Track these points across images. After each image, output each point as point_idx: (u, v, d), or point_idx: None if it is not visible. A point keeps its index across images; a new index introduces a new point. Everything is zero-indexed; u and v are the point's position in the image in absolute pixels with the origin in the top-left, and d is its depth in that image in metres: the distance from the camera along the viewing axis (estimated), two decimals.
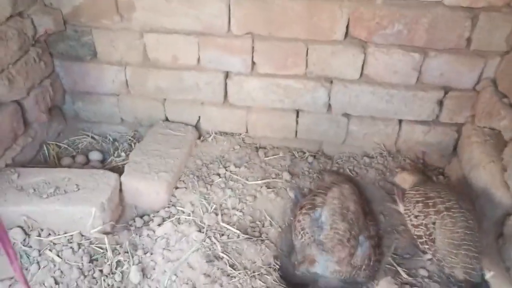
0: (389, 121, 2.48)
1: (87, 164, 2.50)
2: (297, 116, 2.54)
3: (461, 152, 2.37)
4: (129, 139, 2.66)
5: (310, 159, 2.53)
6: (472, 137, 2.25)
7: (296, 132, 2.59)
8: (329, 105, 2.46)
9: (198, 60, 2.42)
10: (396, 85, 2.35)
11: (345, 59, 2.30)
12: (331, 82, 2.39)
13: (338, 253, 1.81)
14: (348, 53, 2.28)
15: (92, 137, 2.70)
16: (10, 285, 1.75)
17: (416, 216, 1.93)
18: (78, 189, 2.01)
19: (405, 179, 2.19)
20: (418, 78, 2.31)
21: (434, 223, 1.82)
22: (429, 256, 1.93)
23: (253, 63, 2.39)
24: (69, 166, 2.42)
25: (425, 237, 1.85)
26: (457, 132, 2.45)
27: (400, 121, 2.48)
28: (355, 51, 2.27)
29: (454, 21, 2.11)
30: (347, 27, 2.23)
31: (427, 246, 1.85)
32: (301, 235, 1.90)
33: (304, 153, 2.59)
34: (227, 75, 2.47)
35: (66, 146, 2.60)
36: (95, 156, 2.54)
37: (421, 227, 1.88)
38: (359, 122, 2.50)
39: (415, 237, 1.93)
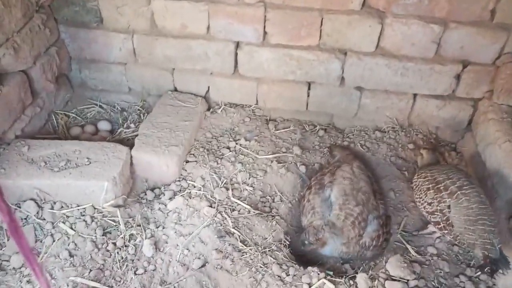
0: (403, 95, 2.42)
1: (96, 134, 2.48)
2: (309, 88, 2.48)
3: (476, 128, 2.32)
4: (138, 110, 2.63)
5: (321, 132, 2.50)
6: (488, 113, 2.20)
7: (307, 104, 2.54)
8: (342, 78, 2.39)
9: (208, 28, 2.34)
10: (413, 58, 2.27)
11: (361, 30, 2.20)
12: (345, 54, 2.31)
13: (347, 232, 1.82)
14: (364, 24, 2.18)
15: (100, 106, 2.67)
16: None
17: (429, 203, 1.89)
18: (90, 163, 2.01)
19: (421, 157, 2.17)
20: (436, 51, 2.23)
21: (449, 207, 1.81)
22: (438, 234, 1.95)
23: (265, 33, 2.31)
24: (78, 136, 2.41)
25: (442, 223, 1.83)
26: (473, 108, 2.39)
27: (414, 95, 2.41)
28: (372, 21, 2.17)
29: None
30: None
31: (446, 231, 1.83)
32: (311, 214, 1.91)
33: (315, 126, 2.56)
34: (237, 45, 2.38)
35: (75, 115, 2.58)
36: (104, 126, 2.52)
37: (436, 213, 1.86)
38: (372, 95, 2.44)
39: (431, 223, 1.92)
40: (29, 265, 0.60)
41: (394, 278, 1.73)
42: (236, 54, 2.40)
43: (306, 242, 1.81)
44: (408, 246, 1.93)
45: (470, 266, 1.87)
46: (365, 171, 2.09)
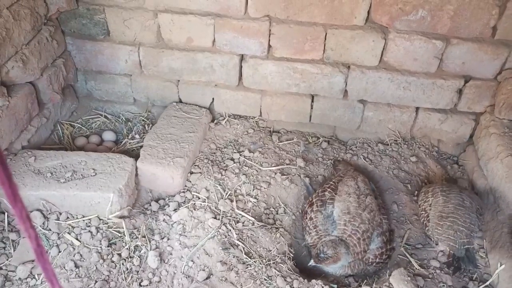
0: (405, 108, 2.45)
1: (100, 144, 2.50)
2: (312, 101, 2.51)
3: (478, 142, 2.35)
4: (143, 120, 2.65)
5: (324, 144, 2.53)
6: (490, 128, 2.23)
7: (311, 116, 2.57)
8: (346, 91, 2.42)
9: (213, 42, 2.37)
10: (415, 72, 2.30)
11: (364, 44, 2.24)
12: (349, 67, 2.34)
13: (353, 248, 1.82)
14: (368, 39, 2.22)
15: (105, 117, 2.70)
16: (32, 268, 1.79)
17: (419, 205, 2.10)
18: (95, 174, 2.03)
19: None
20: (438, 66, 2.26)
21: (430, 205, 1.97)
22: (441, 247, 1.97)
23: (270, 46, 2.34)
24: (83, 146, 2.43)
25: (425, 220, 1.99)
26: (475, 121, 2.42)
27: (417, 109, 2.44)
28: (375, 36, 2.21)
29: (480, 8, 2.04)
30: (368, 11, 2.16)
31: (426, 228, 1.98)
32: (315, 232, 1.91)
33: (318, 138, 2.58)
34: (242, 57, 2.42)
35: (80, 126, 2.60)
36: (108, 136, 2.55)
37: (422, 212, 2.04)
38: (375, 108, 2.47)
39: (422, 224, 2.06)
40: (45, 275, 0.62)
41: None
42: (240, 67, 2.44)
43: (321, 255, 1.80)
44: (412, 259, 1.94)
45: (473, 279, 1.89)
46: (369, 185, 2.10)
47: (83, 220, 1.98)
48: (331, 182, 2.08)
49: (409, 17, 2.12)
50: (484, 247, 2.01)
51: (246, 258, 1.86)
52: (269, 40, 2.31)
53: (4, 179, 0.50)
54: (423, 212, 2.02)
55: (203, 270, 1.83)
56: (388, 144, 2.51)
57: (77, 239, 1.92)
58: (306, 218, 2.00)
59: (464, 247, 1.87)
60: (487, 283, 1.86)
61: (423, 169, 2.38)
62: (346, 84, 2.38)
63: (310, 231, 1.94)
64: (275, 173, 2.28)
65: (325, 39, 2.26)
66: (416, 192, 2.25)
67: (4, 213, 1.97)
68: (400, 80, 2.32)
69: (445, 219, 1.89)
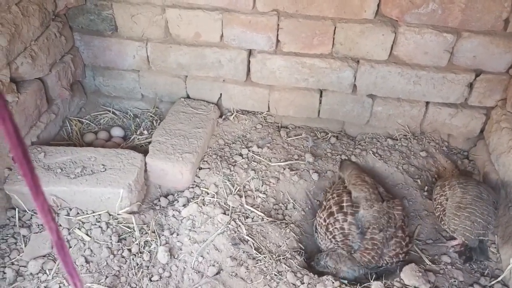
0: (415, 102, 2.42)
1: (109, 140, 2.51)
2: (321, 96, 2.49)
3: (489, 137, 2.32)
4: (151, 116, 2.65)
5: (333, 139, 2.51)
6: (502, 122, 2.20)
7: (319, 111, 2.55)
8: (355, 86, 2.40)
9: (221, 37, 2.36)
10: (426, 66, 2.28)
11: (374, 38, 2.22)
12: (358, 62, 2.32)
13: (367, 258, 1.80)
14: (377, 33, 2.20)
15: (113, 113, 2.70)
16: (43, 263, 1.80)
17: (434, 199, 2.05)
18: (105, 170, 2.03)
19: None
20: (449, 60, 2.23)
21: (447, 199, 1.94)
22: (453, 242, 1.95)
23: (278, 41, 2.32)
24: (91, 142, 2.44)
25: (441, 214, 1.95)
26: (486, 116, 2.39)
27: (427, 103, 2.42)
28: (385, 30, 2.19)
29: (492, 1, 2.01)
30: (378, 5, 2.14)
31: (442, 222, 1.95)
32: (341, 240, 1.84)
33: (327, 133, 2.57)
34: (250, 52, 2.41)
35: (88, 122, 2.61)
36: (117, 132, 2.55)
37: (438, 206, 1.99)
38: (384, 103, 2.45)
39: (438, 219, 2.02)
40: (71, 281, 0.62)
41: (409, 287, 1.73)
42: (248, 62, 2.43)
43: (321, 263, 1.81)
44: (422, 255, 1.93)
45: (484, 275, 1.87)
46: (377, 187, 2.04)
47: (93, 216, 1.98)
48: (342, 188, 2.02)
49: (420, 10, 2.10)
50: (496, 243, 1.99)
51: (256, 254, 1.86)
52: (278, 34, 2.30)
53: (27, 171, 0.50)
54: (439, 206, 1.98)
55: (213, 265, 1.83)
56: (397, 139, 2.49)
57: (87, 234, 1.92)
58: (331, 223, 1.88)
59: (479, 237, 1.85)
60: (499, 278, 1.84)
61: (433, 164, 2.36)
62: (355, 78, 2.36)
63: (328, 237, 1.87)
64: (284, 169, 2.27)
65: (334, 33, 2.24)
66: (426, 187, 2.23)
67: (15, 208, 1.98)
68: (410, 74, 2.30)
69: (462, 210, 1.87)
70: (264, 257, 1.85)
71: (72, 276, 0.61)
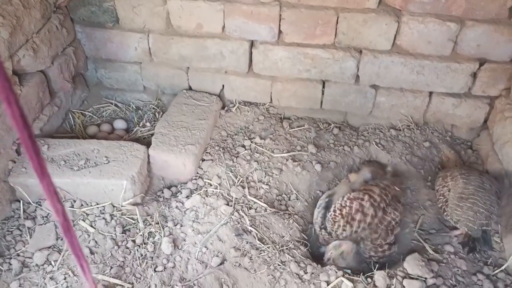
0: (418, 93, 2.41)
1: (112, 132, 2.51)
2: (323, 87, 2.48)
3: (492, 127, 2.31)
4: (153, 108, 2.65)
5: (336, 130, 2.50)
6: (506, 111, 2.19)
7: (322, 102, 2.54)
8: (357, 76, 2.39)
9: (223, 28, 2.35)
10: (429, 56, 2.26)
11: (377, 28, 2.20)
12: (361, 52, 2.31)
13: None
14: (380, 22, 2.18)
15: (116, 105, 2.70)
16: (48, 254, 1.82)
17: (437, 190, 2.05)
18: (108, 162, 2.03)
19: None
20: (453, 49, 2.22)
21: (449, 190, 1.94)
22: (456, 232, 1.95)
23: (280, 31, 2.31)
24: (94, 135, 2.44)
25: (443, 205, 1.96)
26: (489, 105, 2.37)
27: (430, 93, 2.41)
28: (388, 20, 2.17)
29: None
30: None
31: (445, 213, 1.95)
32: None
33: (329, 124, 2.56)
34: (252, 43, 2.39)
35: (91, 114, 2.61)
36: (119, 124, 2.55)
37: (440, 197, 1.99)
38: (387, 93, 2.44)
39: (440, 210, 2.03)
40: (78, 263, 0.62)
41: (412, 276, 1.74)
42: (251, 53, 2.42)
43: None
44: (426, 245, 1.93)
45: (488, 264, 1.88)
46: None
47: (97, 208, 1.99)
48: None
49: None
50: (499, 232, 1.99)
51: (260, 244, 1.87)
52: (280, 25, 2.28)
53: (33, 154, 0.50)
54: (442, 197, 1.98)
55: (217, 256, 1.84)
56: (400, 130, 2.48)
57: (91, 226, 1.93)
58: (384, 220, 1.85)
59: (482, 228, 1.86)
60: (502, 268, 1.84)
61: (436, 155, 2.35)
62: (358, 69, 2.35)
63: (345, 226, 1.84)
64: (287, 160, 2.27)
65: (337, 23, 2.22)
66: (430, 177, 2.23)
67: (19, 201, 1.99)
68: (413, 64, 2.29)
69: (465, 200, 1.88)
70: (267, 247, 1.86)
71: (78, 258, 0.61)
